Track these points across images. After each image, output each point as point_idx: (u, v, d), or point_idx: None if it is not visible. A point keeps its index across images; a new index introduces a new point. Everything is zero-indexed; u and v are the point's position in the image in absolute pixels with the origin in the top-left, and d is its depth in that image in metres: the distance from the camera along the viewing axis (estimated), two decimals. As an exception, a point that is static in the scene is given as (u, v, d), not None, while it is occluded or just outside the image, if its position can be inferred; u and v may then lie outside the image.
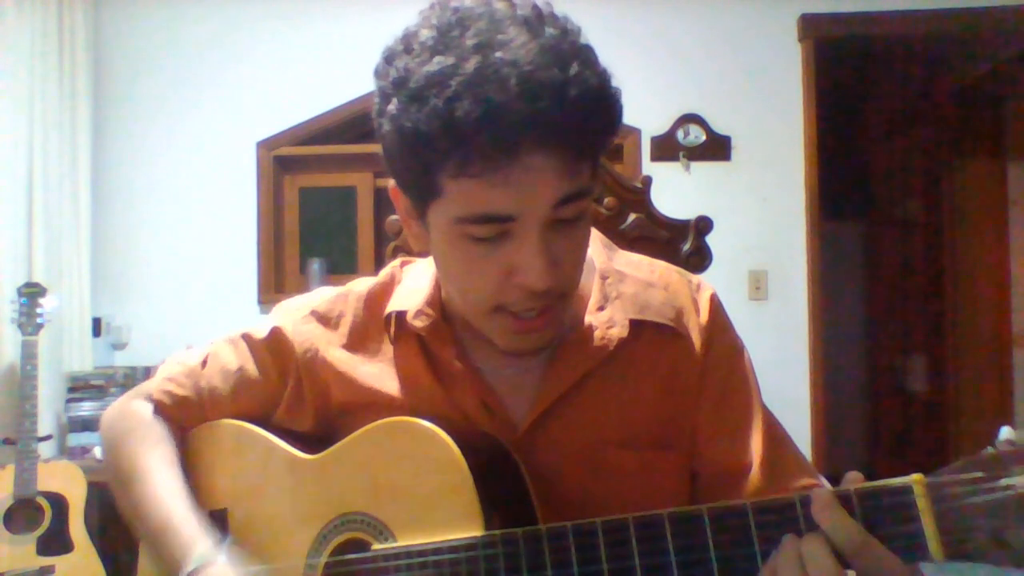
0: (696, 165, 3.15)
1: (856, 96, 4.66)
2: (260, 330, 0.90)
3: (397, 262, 0.91)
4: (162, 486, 0.85)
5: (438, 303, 0.82)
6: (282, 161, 3.27)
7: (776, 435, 0.83)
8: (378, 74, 0.69)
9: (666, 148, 3.15)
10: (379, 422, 0.77)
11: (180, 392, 0.91)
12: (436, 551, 0.69)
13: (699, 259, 1.27)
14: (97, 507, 2.73)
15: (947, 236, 4.32)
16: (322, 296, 0.90)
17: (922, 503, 0.54)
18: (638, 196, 1.31)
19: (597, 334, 0.80)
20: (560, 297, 0.73)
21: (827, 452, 3.10)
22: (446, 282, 0.79)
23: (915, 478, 0.55)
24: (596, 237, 0.89)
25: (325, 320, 0.88)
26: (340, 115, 3.21)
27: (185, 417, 0.91)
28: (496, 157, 0.62)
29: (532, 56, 0.62)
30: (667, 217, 1.31)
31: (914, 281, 4.55)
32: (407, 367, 0.83)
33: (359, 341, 0.86)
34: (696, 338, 0.82)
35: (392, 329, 0.84)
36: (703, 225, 1.30)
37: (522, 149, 0.62)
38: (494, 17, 0.64)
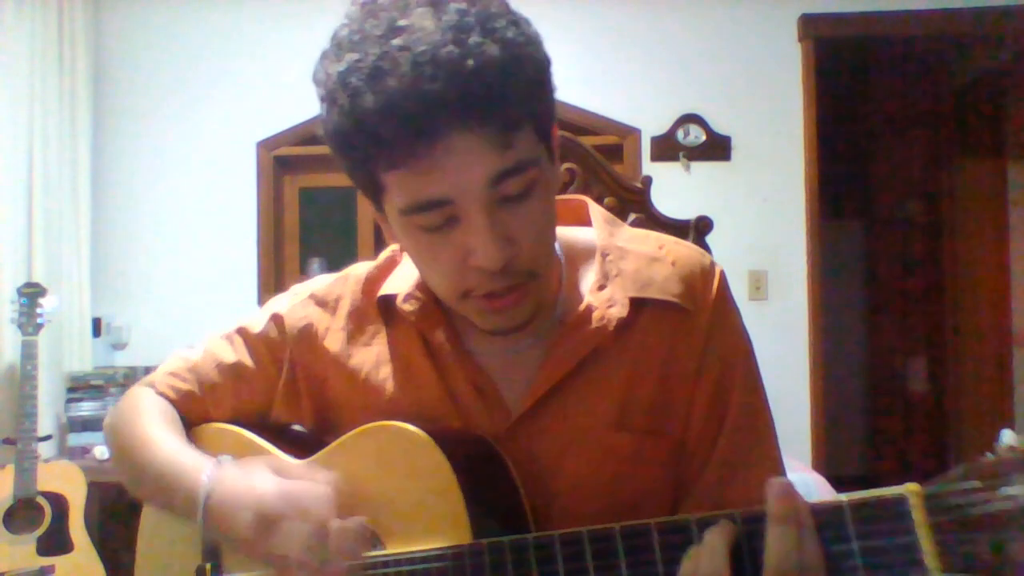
0: (696, 165, 3.15)
1: (856, 96, 4.66)
2: (256, 322, 0.90)
3: (397, 245, 0.88)
4: (162, 440, 0.84)
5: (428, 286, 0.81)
6: (282, 161, 3.27)
7: (747, 435, 0.78)
8: (314, 79, 0.68)
9: (666, 148, 3.15)
10: (364, 427, 0.76)
11: (183, 387, 0.91)
12: (424, 559, 0.69)
13: (699, 259, 1.27)
14: (97, 507, 2.73)
15: (947, 236, 4.33)
16: (322, 281, 0.90)
17: (918, 515, 0.52)
18: (638, 196, 1.31)
19: (596, 315, 0.76)
20: (528, 275, 0.69)
21: (827, 452, 3.10)
22: (419, 271, 0.77)
23: (910, 488, 0.53)
24: (598, 213, 0.85)
25: (323, 303, 0.87)
26: (340, 115, 3.21)
27: (188, 411, 0.91)
28: (414, 145, 0.61)
29: (429, 37, 0.60)
30: (667, 217, 1.31)
31: (914, 281, 4.55)
32: (401, 350, 0.81)
33: (357, 325, 0.84)
34: (703, 317, 0.78)
35: (384, 313, 0.83)
36: (703, 225, 1.30)
37: (437, 132, 0.60)
38: (400, 3, 0.63)
